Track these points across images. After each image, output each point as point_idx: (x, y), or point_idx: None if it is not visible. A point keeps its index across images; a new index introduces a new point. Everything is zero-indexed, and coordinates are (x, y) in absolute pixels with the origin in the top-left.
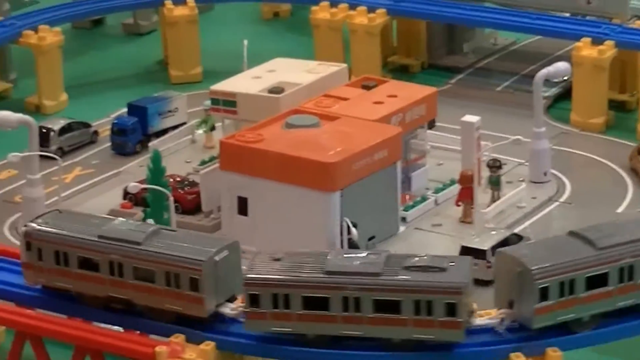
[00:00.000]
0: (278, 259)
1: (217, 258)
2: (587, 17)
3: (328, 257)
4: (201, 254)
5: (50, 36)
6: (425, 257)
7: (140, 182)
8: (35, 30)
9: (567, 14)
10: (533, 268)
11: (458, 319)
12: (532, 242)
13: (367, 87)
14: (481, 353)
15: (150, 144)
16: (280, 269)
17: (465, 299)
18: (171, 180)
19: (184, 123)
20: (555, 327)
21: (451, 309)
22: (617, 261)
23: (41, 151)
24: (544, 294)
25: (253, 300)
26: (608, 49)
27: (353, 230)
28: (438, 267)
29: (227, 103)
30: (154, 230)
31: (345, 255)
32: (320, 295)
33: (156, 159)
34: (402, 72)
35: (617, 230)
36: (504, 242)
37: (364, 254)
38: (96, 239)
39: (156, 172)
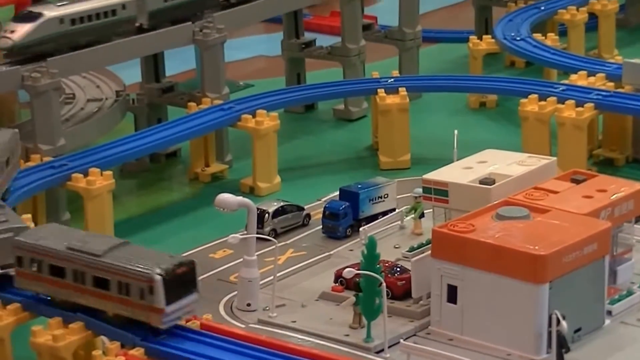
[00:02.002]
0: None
1: None
2: None
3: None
4: None
5: (268, 120)
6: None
7: (354, 266)
8: (254, 114)
9: None
10: None
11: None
12: None
13: (576, 181)
14: None
15: (361, 229)
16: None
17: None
18: (382, 265)
19: (394, 209)
20: None
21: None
22: None
23: (257, 233)
24: None
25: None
26: None
27: (563, 322)
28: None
29: (439, 192)
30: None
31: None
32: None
33: (371, 245)
34: (606, 166)
35: None
36: None
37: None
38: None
39: (371, 258)
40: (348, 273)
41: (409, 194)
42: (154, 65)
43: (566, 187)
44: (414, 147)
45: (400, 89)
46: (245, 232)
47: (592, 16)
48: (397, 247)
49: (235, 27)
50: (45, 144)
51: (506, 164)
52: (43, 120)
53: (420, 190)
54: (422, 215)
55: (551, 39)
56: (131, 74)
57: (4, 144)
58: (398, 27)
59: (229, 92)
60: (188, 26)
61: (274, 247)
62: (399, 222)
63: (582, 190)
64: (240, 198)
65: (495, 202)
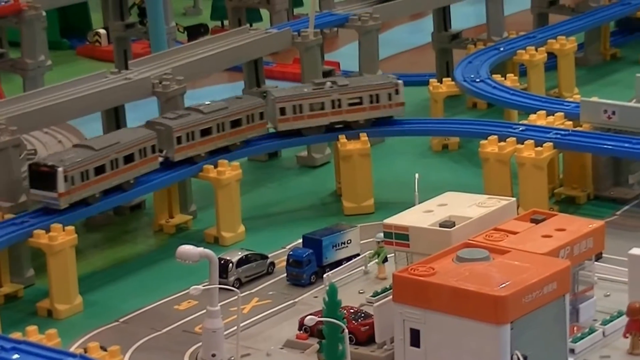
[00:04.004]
0: None
1: None
2: None
3: None
4: None
5: (229, 170)
6: None
7: (316, 314)
8: (215, 165)
9: None
10: None
11: None
12: None
13: (535, 221)
14: None
15: (324, 276)
16: None
17: None
18: (345, 311)
19: (357, 254)
20: None
21: None
22: None
23: (220, 282)
24: None
25: None
26: None
27: None
28: None
29: (400, 236)
30: None
31: None
32: None
33: (332, 292)
34: (568, 204)
35: None
36: None
37: None
38: None
39: (332, 305)
40: (310, 321)
41: (372, 239)
42: (115, 118)
43: (526, 227)
44: (378, 191)
45: (361, 134)
46: (208, 282)
47: (552, 56)
48: (361, 293)
49: (194, 77)
50: (6, 201)
51: (466, 206)
52: (3, 177)
53: (382, 235)
54: (385, 260)
55: (511, 80)
56: (93, 128)
57: None
58: (358, 73)
59: None
60: (147, 78)
61: (236, 297)
62: (363, 268)
63: (542, 230)
64: (201, 249)
65: (455, 245)
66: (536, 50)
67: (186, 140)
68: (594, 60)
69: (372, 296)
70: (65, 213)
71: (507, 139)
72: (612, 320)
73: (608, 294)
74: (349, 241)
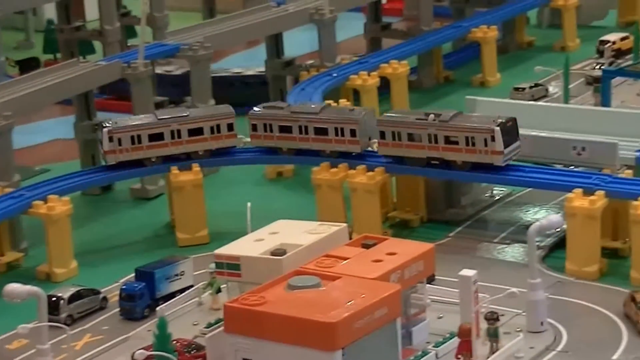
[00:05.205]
0: None
1: None
2: (579, 168)
3: None
4: None
5: (59, 205)
6: None
7: (148, 348)
8: (45, 200)
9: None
10: None
11: None
12: None
13: (366, 246)
14: None
15: (157, 309)
16: None
17: None
18: (178, 344)
19: (191, 286)
20: None
21: None
22: None
23: (51, 319)
24: None
25: None
26: (599, 199)
27: None
28: None
29: (231, 266)
30: None
31: None
32: None
33: (162, 325)
34: (402, 227)
35: None
36: None
37: None
38: None
39: (162, 338)
40: (140, 355)
41: (206, 270)
42: None
43: (356, 252)
44: (213, 221)
45: (193, 165)
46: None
47: (385, 80)
48: (195, 324)
49: (24, 112)
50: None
51: (297, 233)
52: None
53: (214, 265)
54: (219, 291)
55: (343, 105)
56: None
57: None
58: (191, 102)
59: (22, 179)
60: None
61: (65, 335)
62: (197, 299)
63: (372, 255)
64: (29, 287)
65: (286, 273)
66: (369, 74)
67: None
68: (428, 83)
69: (205, 327)
70: None
71: (339, 165)
72: (444, 342)
73: (441, 315)
74: (182, 273)
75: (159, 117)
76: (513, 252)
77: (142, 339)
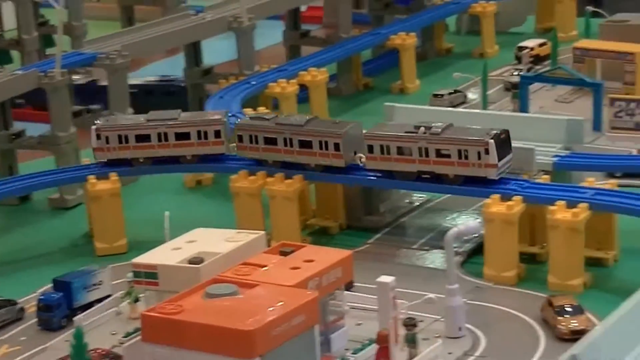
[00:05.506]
0: None
1: None
2: None
3: None
4: None
5: None
6: None
7: (64, 358)
8: None
9: None
10: None
11: None
12: None
13: (284, 253)
14: None
15: (75, 318)
16: None
17: None
18: (95, 354)
19: (109, 295)
20: None
21: None
22: None
23: None
24: None
25: None
26: (516, 205)
27: None
28: None
29: (149, 275)
30: None
31: None
32: None
33: (78, 335)
34: (321, 235)
35: None
36: None
37: None
38: None
39: (79, 348)
40: None
41: (124, 279)
42: None
43: (274, 260)
44: (132, 230)
45: (111, 174)
46: None
47: (304, 88)
48: (114, 334)
49: None
50: None
51: (215, 241)
52: None
53: (132, 275)
54: (137, 300)
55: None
56: None
57: None
58: (110, 111)
59: None
60: None
61: None
62: (115, 308)
63: (290, 262)
64: None
65: (204, 281)
66: (288, 82)
67: None
68: (347, 90)
69: (123, 337)
70: None
71: (258, 173)
72: (363, 349)
73: (360, 322)
74: (100, 282)
75: (147, 119)
76: (432, 258)
77: (60, 349)
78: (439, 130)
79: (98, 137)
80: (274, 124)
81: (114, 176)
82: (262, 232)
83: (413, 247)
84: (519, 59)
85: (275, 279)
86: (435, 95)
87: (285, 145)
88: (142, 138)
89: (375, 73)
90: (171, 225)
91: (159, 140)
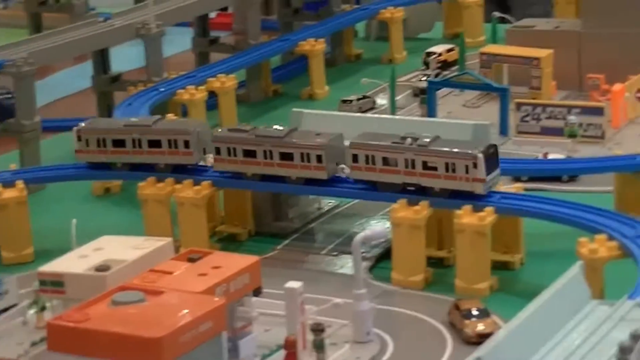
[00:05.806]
0: None
1: None
2: None
3: None
4: None
5: None
6: None
7: None
8: None
9: None
10: None
11: None
12: None
13: (192, 260)
14: None
15: None
16: None
17: None
18: None
19: (15, 305)
20: None
21: None
22: None
23: None
24: None
25: None
26: (423, 209)
27: None
28: None
29: (55, 284)
30: None
31: None
32: None
33: None
34: (230, 241)
35: None
36: None
37: None
38: None
39: None
40: None
41: (31, 288)
42: None
43: (182, 267)
44: (39, 239)
45: (17, 182)
46: None
47: (212, 94)
48: (20, 344)
49: None
50: None
51: (122, 249)
52: None
53: (38, 283)
54: (43, 308)
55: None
56: None
57: None
58: (16, 120)
59: None
60: None
61: None
62: (22, 318)
63: (198, 269)
64: None
65: (111, 289)
66: (196, 89)
67: None
68: (256, 96)
69: (29, 347)
70: None
71: (166, 180)
72: (271, 355)
73: (268, 328)
74: (5, 291)
75: (124, 124)
76: (341, 264)
77: None
78: (427, 141)
79: (79, 139)
80: (254, 136)
81: (20, 184)
82: (170, 239)
83: (322, 253)
84: (427, 65)
85: (183, 286)
86: (344, 101)
87: (265, 157)
88: (118, 143)
89: (285, 79)
90: (78, 233)
91: (134, 146)
